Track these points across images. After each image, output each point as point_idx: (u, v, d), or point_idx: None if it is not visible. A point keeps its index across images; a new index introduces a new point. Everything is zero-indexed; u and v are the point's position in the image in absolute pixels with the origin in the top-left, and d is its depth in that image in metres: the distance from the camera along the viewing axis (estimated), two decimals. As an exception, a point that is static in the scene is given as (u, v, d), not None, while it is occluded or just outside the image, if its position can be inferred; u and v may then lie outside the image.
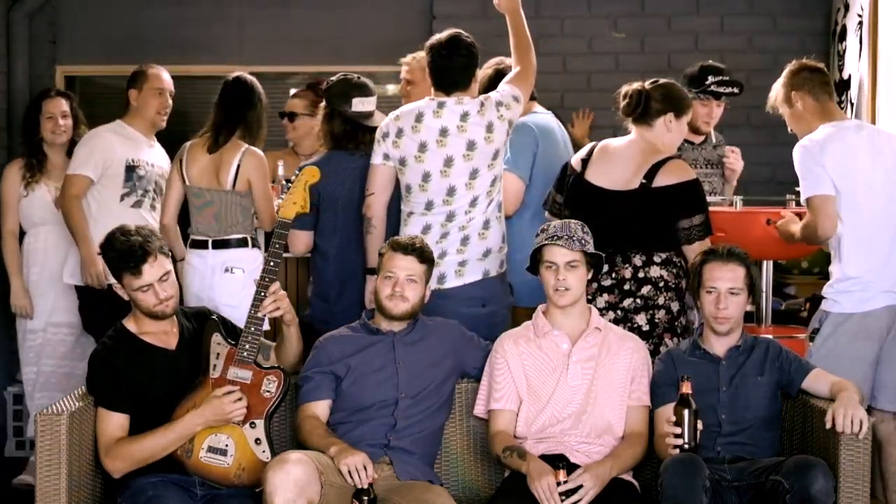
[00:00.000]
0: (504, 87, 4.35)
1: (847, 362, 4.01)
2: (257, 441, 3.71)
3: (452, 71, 4.28)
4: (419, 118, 4.26)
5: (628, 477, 3.76)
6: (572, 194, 4.34)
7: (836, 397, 3.62)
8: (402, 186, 4.33)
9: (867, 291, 4.10)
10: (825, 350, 4.11)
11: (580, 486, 3.56)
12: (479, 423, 3.97)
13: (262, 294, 3.79)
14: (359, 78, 4.60)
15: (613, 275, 4.23)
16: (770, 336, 4.15)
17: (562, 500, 3.53)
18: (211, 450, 3.68)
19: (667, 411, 3.68)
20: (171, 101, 5.24)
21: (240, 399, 3.69)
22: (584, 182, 4.31)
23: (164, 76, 5.23)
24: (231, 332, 3.85)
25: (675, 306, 4.25)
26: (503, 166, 4.35)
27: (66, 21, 6.56)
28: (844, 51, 5.69)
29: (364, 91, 4.54)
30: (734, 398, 3.77)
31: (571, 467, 3.63)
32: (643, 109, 4.32)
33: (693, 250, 4.17)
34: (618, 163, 4.30)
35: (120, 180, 5.10)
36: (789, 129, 4.36)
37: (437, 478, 3.84)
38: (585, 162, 4.34)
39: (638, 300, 4.21)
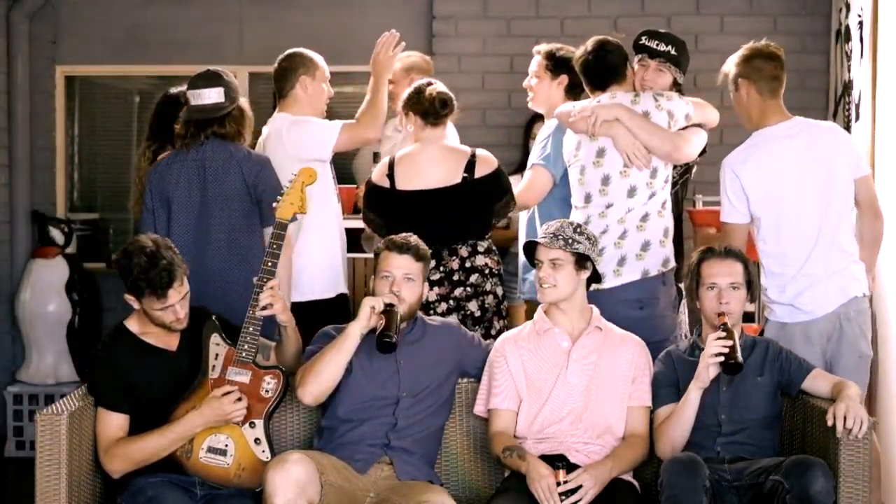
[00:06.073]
0: (674, 93, 4.40)
1: None
2: (257, 441, 3.71)
3: (601, 69, 4.36)
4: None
5: (628, 477, 3.76)
6: (388, 207, 4.45)
7: (837, 397, 3.62)
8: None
9: (800, 304, 4.08)
10: None
11: (580, 486, 3.56)
12: (479, 423, 3.97)
13: (260, 294, 3.78)
14: (209, 69, 4.40)
15: (441, 268, 4.39)
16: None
17: (561, 500, 3.54)
18: (210, 450, 3.68)
19: (667, 411, 3.71)
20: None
21: (239, 399, 3.69)
22: (396, 193, 4.43)
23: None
24: (231, 332, 3.85)
25: (499, 291, 4.48)
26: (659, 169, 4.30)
27: (66, 21, 6.56)
28: (851, 51, 5.66)
29: (195, 83, 4.33)
30: (734, 398, 3.77)
31: (571, 467, 3.63)
32: (445, 113, 4.52)
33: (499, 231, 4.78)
34: (427, 165, 4.46)
35: None
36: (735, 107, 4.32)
37: (438, 478, 3.84)
38: (391, 176, 4.45)
39: (468, 288, 4.39)
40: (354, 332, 3.73)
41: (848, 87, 5.68)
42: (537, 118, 5.28)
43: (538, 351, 3.86)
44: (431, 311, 4.34)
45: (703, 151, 4.48)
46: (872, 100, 5.16)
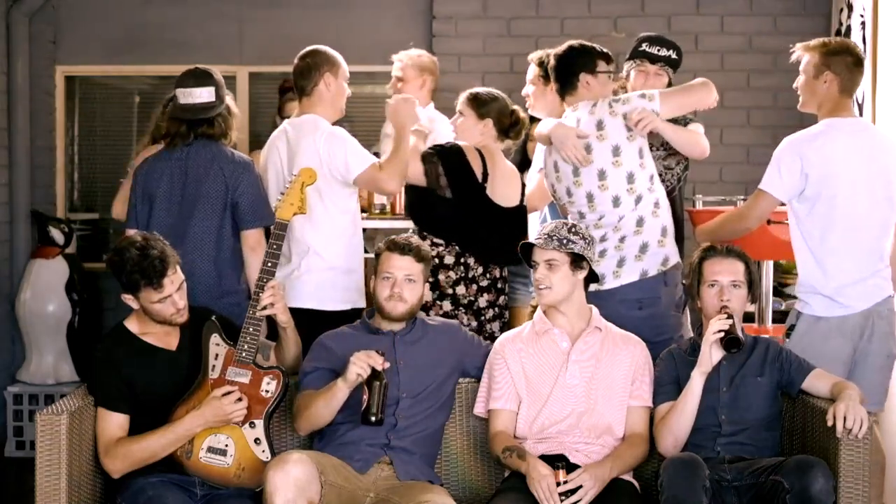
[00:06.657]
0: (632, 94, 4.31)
1: (821, 361, 3.96)
2: (257, 441, 3.71)
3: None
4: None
5: (628, 477, 3.76)
6: (473, 206, 4.47)
7: (838, 397, 3.62)
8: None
9: (840, 298, 4.06)
10: (800, 348, 4.04)
11: (580, 486, 3.56)
12: (479, 423, 3.97)
13: (260, 295, 3.79)
14: (198, 68, 4.36)
15: (487, 274, 4.50)
16: (770, 336, 4.14)
17: (561, 500, 3.54)
18: (210, 450, 3.68)
19: (667, 407, 3.74)
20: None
21: (239, 399, 3.69)
22: (486, 198, 4.49)
23: None
24: (231, 332, 3.85)
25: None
26: (636, 162, 4.22)
27: (66, 21, 6.57)
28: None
29: (185, 81, 4.29)
30: (734, 398, 3.77)
31: (571, 467, 3.63)
32: (515, 139, 4.61)
33: None
34: (505, 181, 4.56)
35: None
36: (794, 85, 4.22)
37: (438, 478, 3.84)
38: (485, 175, 4.49)
39: (504, 297, 4.61)
40: (341, 390, 3.65)
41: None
42: (533, 119, 5.29)
43: (538, 352, 3.86)
44: (482, 318, 4.45)
45: None
46: (873, 100, 5.17)
